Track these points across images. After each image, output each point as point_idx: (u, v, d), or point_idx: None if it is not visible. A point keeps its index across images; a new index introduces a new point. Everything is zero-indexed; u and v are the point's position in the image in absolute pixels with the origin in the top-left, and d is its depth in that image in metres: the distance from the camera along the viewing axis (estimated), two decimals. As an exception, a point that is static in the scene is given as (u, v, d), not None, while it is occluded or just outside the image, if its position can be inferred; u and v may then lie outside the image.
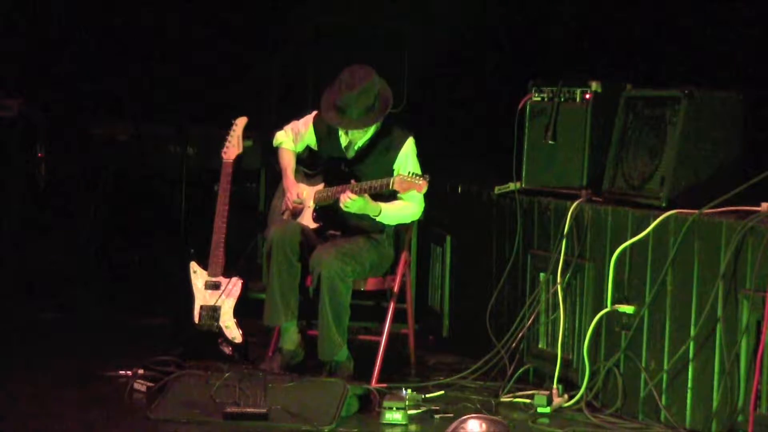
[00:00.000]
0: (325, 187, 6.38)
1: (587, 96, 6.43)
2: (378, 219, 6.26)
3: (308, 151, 6.55)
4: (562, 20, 8.45)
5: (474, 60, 8.90)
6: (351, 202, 6.11)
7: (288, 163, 6.53)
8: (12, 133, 9.32)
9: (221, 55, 9.68)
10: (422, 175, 6.02)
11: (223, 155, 6.59)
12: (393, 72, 8.65)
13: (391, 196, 6.27)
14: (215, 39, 9.74)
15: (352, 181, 6.18)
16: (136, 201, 9.64)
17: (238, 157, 6.61)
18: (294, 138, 6.55)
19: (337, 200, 6.20)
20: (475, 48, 8.86)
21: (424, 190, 6.04)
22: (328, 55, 8.72)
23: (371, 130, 6.35)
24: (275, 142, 6.61)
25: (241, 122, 6.63)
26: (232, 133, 6.61)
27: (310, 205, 6.40)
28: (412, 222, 6.62)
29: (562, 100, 6.54)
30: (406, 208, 6.33)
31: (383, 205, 6.23)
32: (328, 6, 8.77)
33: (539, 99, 6.67)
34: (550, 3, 8.61)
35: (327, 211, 6.36)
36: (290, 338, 6.32)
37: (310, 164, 6.53)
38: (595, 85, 6.43)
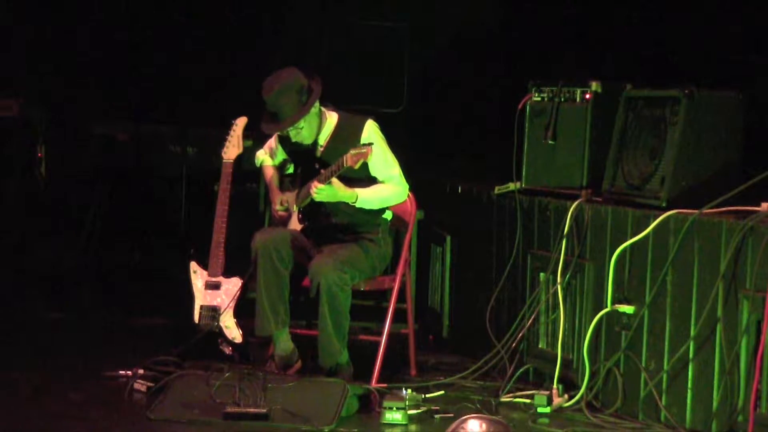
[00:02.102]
0: (301, 188, 6.41)
1: (587, 96, 6.43)
2: (357, 205, 6.24)
3: (286, 161, 6.58)
4: (562, 20, 8.45)
5: (474, 60, 8.90)
6: (318, 190, 6.13)
7: (270, 177, 6.60)
8: (12, 133, 9.33)
9: (221, 55, 9.69)
10: (367, 144, 6.03)
11: (223, 155, 6.60)
12: (393, 72, 8.69)
13: (370, 181, 6.28)
14: (215, 39, 9.74)
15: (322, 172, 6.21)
16: (136, 201, 9.64)
17: (238, 157, 6.62)
18: (270, 153, 6.60)
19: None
20: (475, 48, 8.86)
21: (370, 157, 6.02)
22: (328, 54, 8.73)
23: (327, 126, 6.33)
24: (257, 162, 6.69)
25: (241, 122, 6.64)
26: (232, 133, 6.62)
27: (294, 209, 6.43)
28: (408, 218, 6.62)
29: (562, 100, 6.54)
30: (383, 189, 6.32)
31: (359, 190, 6.23)
32: (328, 6, 8.78)
33: (539, 99, 6.66)
34: (550, 3, 8.61)
35: (311, 211, 6.37)
36: (282, 346, 6.32)
37: (292, 173, 6.57)
38: (595, 85, 6.42)
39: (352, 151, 6.02)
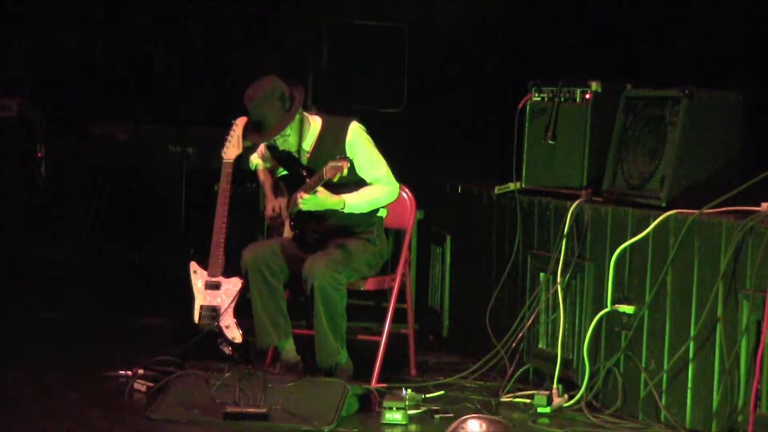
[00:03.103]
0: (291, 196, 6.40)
1: (587, 96, 6.43)
2: (345, 211, 6.22)
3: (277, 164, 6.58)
4: (562, 20, 8.45)
5: (474, 60, 8.90)
6: (304, 201, 6.12)
7: (264, 181, 6.59)
8: (12, 133, 9.34)
9: (221, 55, 9.69)
10: (344, 157, 6.02)
11: (223, 155, 6.60)
12: (393, 72, 8.70)
13: (358, 184, 6.27)
14: (215, 39, 9.74)
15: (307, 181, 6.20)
16: (136, 201, 9.65)
17: (238, 157, 6.61)
18: (262, 157, 6.61)
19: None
20: (475, 48, 8.86)
21: (345, 170, 6.00)
22: (328, 55, 8.73)
23: (311, 132, 6.32)
24: (251, 166, 6.68)
25: (241, 122, 6.63)
26: (232, 133, 6.61)
27: (286, 216, 6.43)
28: (408, 219, 6.61)
29: (562, 100, 6.54)
30: (371, 191, 6.28)
31: (346, 196, 6.21)
32: (328, 6, 8.78)
33: (539, 99, 6.66)
34: (549, 3, 8.61)
35: (302, 218, 6.36)
36: (288, 355, 6.31)
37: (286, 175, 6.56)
38: (595, 85, 6.42)
39: (331, 164, 6.00)
